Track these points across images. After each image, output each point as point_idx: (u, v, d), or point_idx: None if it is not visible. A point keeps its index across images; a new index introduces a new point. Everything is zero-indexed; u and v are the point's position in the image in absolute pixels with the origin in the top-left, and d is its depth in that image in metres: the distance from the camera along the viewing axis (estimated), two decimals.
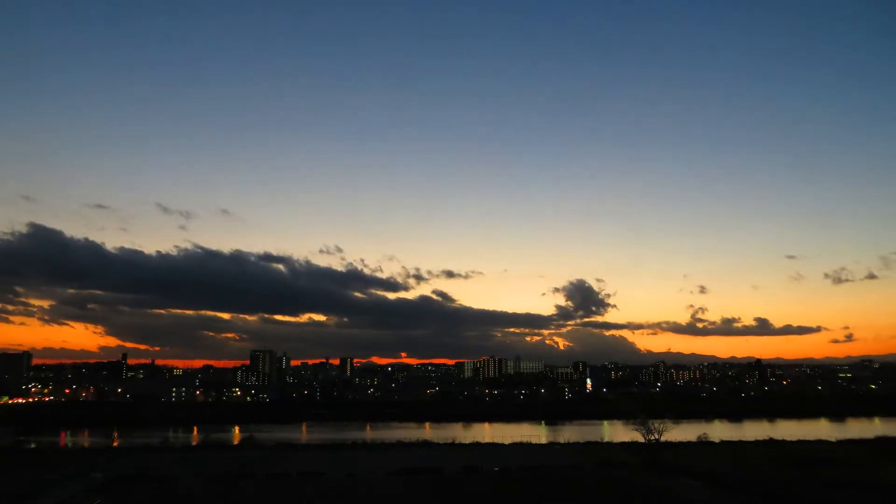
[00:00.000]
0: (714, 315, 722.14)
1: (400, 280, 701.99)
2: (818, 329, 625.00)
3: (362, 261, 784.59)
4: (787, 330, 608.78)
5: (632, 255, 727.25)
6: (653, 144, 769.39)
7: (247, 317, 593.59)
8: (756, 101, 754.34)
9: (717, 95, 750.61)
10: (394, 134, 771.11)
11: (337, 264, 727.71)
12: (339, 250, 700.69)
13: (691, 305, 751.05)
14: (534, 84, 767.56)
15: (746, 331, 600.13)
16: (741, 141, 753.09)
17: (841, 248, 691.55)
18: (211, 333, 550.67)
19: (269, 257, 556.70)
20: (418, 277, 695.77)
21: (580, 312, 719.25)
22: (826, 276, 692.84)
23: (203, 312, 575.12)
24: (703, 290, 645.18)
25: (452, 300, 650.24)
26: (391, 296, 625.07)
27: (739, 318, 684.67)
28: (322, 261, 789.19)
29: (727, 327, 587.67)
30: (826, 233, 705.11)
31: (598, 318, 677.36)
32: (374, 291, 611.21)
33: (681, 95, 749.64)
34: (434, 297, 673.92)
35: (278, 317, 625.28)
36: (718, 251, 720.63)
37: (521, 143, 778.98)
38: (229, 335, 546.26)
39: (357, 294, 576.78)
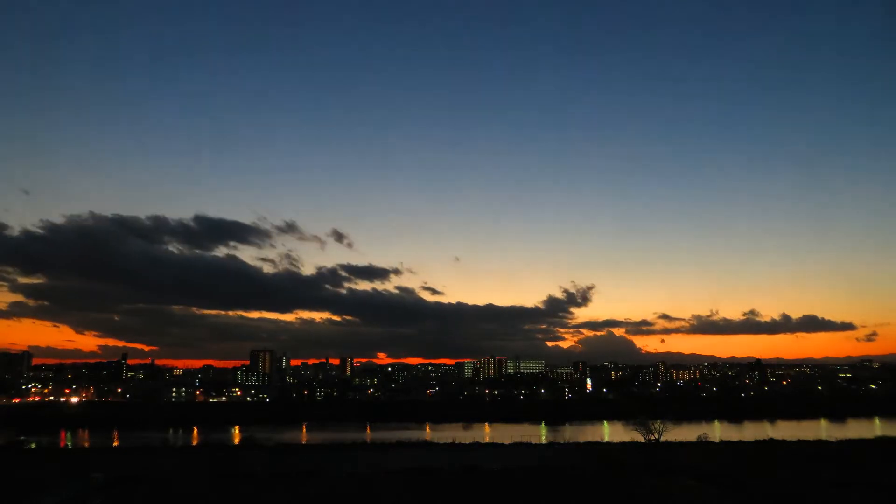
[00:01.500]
0: (733, 312, 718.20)
1: (396, 276, 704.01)
2: (850, 326, 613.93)
3: (355, 252, 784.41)
4: (813, 326, 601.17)
5: (639, 252, 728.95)
6: (661, 138, 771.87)
7: (242, 313, 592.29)
8: (772, 91, 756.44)
9: (727, 86, 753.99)
10: (387, 127, 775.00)
11: (328, 258, 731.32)
12: (338, 241, 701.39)
13: (705, 301, 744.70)
14: (534, 79, 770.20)
15: (773, 326, 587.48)
16: (754, 133, 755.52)
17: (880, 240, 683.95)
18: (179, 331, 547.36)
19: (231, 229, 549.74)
20: (411, 273, 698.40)
21: (580, 312, 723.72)
22: (861, 270, 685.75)
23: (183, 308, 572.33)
24: (718, 286, 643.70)
25: (452, 296, 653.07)
26: (389, 290, 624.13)
27: (760, 314, 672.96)
28: (321, 255, 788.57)
29: (750, 323, 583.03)
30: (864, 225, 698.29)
31: (600, 318, 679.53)
32: (371, 286, 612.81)
33: (688, 85, 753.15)
34: (432, 293, 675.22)
35: (275, 315, 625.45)
36: (734, 247, 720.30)
37: (522, 137, 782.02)
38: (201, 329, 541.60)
39: (350, 288, 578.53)
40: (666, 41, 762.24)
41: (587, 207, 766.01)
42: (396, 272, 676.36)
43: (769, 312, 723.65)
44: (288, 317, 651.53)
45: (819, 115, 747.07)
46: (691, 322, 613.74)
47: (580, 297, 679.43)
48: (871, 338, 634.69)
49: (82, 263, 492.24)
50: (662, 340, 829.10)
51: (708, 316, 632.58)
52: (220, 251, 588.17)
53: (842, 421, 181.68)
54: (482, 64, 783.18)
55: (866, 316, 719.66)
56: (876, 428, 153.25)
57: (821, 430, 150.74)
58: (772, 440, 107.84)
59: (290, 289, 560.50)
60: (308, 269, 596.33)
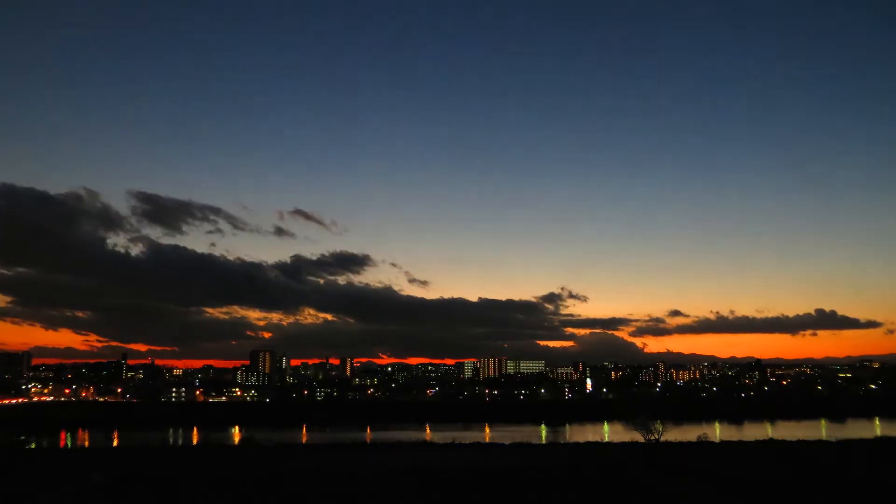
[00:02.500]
0: (748, 309, 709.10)
1: (387, 270, 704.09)
2: (875, 324, 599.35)
3: (348, 245, 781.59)
4: (836, 324, 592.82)
5: (643, 250, 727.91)
6: (661, 136, 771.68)
7: (226, 309, 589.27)
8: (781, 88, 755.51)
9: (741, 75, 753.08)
10: (383, 121, 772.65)
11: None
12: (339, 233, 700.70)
13: (719, 299, 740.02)
14: (539, 77, 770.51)
15: (793, 324, 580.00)
16: (760, 128, 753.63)
17: None
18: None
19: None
20: (404, 267, 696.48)
21: (581, 311, 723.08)
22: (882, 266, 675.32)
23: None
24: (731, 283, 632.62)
25: (448, 293, 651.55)
26: (379, 285, 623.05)
27: (778, 312, 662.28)
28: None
29: (769, 321, 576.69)
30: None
31: (602, 317, 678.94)
32: (371, 284, 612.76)
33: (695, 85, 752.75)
34: (426, 288, 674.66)
35: (264, 312, 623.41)
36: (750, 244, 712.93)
37: (521, 129, 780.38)
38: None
39: (339, 283, 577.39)
40: (668, 42, 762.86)
41: (589, 205, 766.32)
42: (387, 265, 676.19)
43: (789, 310, 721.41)
44: (278, 315, 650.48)
45: (826, 105, 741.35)
46: (703, 320, 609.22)
47: (580, 296, 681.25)
48: (890, 332, 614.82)
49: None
50: (645, 345, 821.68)
51: (721, 314, 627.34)
52: (181, 238, 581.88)
53: (842, 421, 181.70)
54: (482, 58, 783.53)
55: (889, 313, 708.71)
56: (876, 428, 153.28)
57: (821, 430, 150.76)
58: (772, 440, 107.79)
59: (279, 284, 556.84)
60: (295, 264, 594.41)
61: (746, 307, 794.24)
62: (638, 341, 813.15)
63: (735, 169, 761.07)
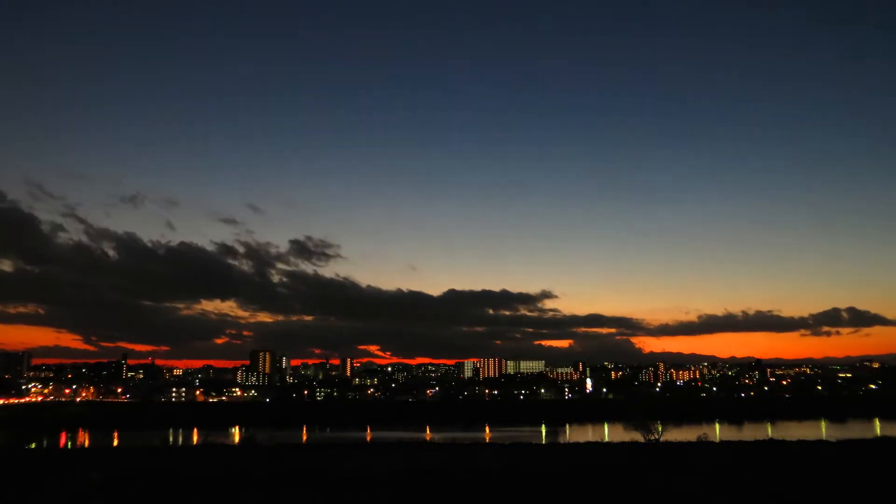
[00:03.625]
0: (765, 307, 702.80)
1: (389, 268, 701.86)
2: None
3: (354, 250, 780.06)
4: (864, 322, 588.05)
5: (647, 249, 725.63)
6: (658, 137, 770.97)
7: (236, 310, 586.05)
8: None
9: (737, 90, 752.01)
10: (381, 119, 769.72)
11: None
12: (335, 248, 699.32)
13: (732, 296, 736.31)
14: (540, 79, 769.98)
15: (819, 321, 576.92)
16: (761, 126, 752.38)
17: None
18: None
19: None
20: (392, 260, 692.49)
21: (581, 310, 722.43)
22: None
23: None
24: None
25: (447, 288, 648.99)
26: (391, 288, 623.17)
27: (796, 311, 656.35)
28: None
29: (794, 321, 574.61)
30: None
31: (602, 315, 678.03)
32: (371, 285, 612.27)
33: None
34: (424, 285, 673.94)
35: (261, 314, 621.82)
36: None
37: (527, 123, 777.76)
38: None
39: (329, 278, 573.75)
40: (668, 42, 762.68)
41: (589, 204, 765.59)
42: (382, 260, 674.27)
43: (791, 310, 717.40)
44: (266, 313, 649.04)
45: (835, 99, 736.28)
46: (703, 319, 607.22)
47: (579, 294, 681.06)
48: None
49: None
50: (645, 345, 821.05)
51: (722, 314, 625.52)
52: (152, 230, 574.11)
53: (842, 421, 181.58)
54: (481, 55, 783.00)
55: None
56: (876, 428, 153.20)
57: (821, 430, 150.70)
58: (772, 440, 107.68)
59: (266, 282, 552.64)
60: (278, 256, 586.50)
61: (747, 307, 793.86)
62: (638, 341, 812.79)
63: (736, 169, 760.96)
